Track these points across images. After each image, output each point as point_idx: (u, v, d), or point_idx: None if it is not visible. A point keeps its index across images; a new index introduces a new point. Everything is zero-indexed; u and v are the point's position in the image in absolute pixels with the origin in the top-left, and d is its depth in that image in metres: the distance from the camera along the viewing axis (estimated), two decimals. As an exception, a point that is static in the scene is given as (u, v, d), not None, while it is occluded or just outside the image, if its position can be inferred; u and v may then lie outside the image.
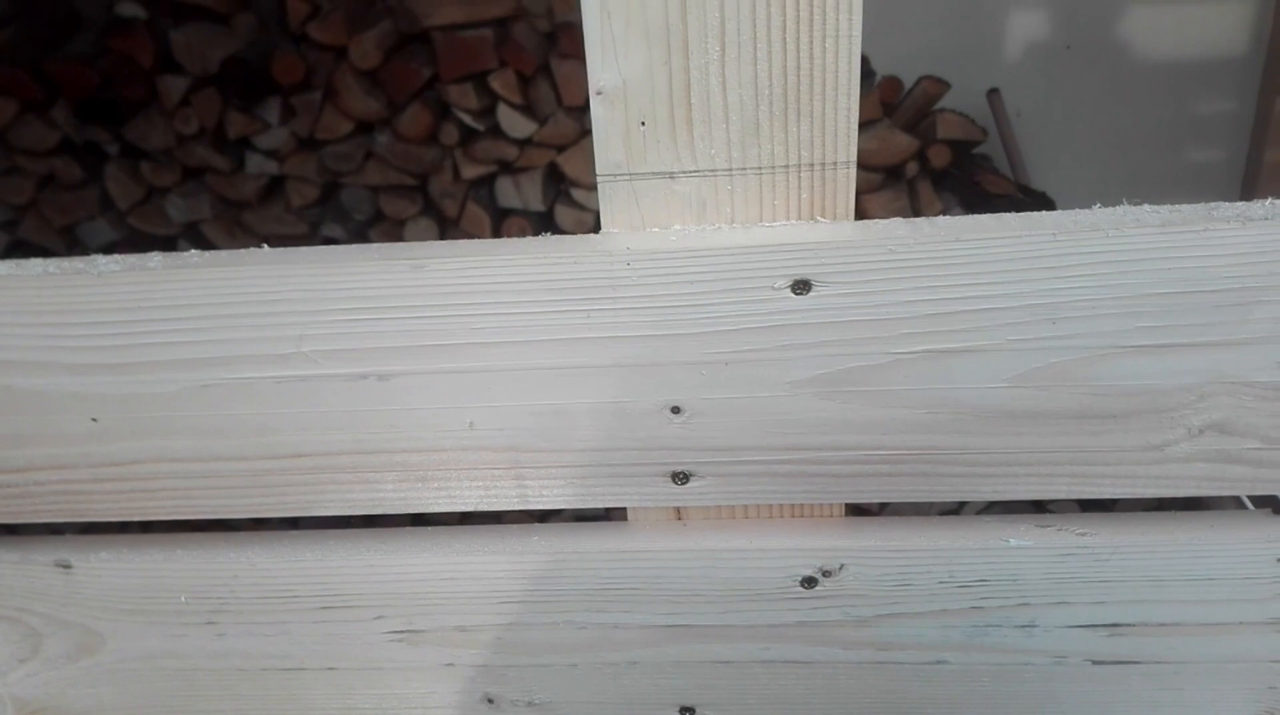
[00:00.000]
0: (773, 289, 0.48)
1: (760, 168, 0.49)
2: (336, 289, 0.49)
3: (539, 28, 2.15)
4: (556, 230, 2.29)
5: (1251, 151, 2.37)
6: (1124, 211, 0.48)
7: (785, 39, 0.46)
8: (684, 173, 0.49)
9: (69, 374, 0.49)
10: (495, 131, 2.18)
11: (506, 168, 2.22)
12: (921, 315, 0.48)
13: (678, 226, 0.50)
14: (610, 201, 0.51)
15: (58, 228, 2.28)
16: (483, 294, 0.49)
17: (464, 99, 2.13)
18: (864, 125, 2.14)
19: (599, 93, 0.48)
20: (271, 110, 2.12)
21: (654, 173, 0.49)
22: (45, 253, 2.30)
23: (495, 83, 2.11)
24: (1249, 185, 2.39)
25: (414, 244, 0.50)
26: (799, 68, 0.47)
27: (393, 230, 2.26)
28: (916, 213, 2.19)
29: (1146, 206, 0.48)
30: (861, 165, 2.16)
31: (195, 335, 0.50)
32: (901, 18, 2.15)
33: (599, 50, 0.47)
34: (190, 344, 0.50)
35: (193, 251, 0.51)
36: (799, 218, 0.50)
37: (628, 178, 0.50)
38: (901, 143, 2.12)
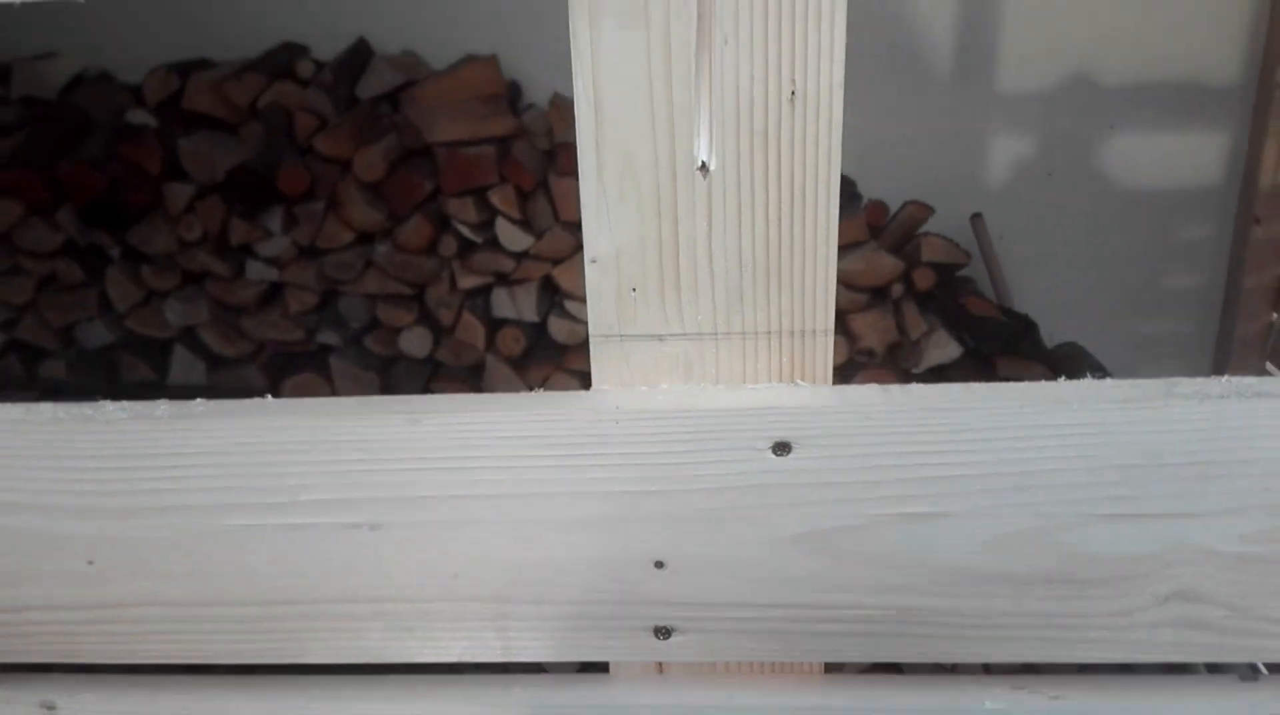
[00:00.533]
0: (755, 450, 0.50)
1: (744, 332, 0.52)
2: (334, 441, 0.51)
3: (539, 146, 2.22)
4: (549, 340, 2.33)
5: (1230, 277, 2.43)
6: (1088, 386, 0.50)
7: (768, 217, 0.49)
8: (672, 335, 0.52)
9: (71, 517, 0.50)
10: (493, 244, 2.23)
11: (503, 279, 2.27)
12: (896, 479, 0.50)
13: (665, 384, 0.53)
14: (601, 359, 0.53)
15: (56, 328, 2.30)
16: (476, 448, 0.51)
17: (464, 212, 2.19)
18: (851, 247, 2.20)
19: (594, 260, 0.51)
20: (274, 219, 2.17)
21: (644, 334, 0.52)
22: (40, 353, 2.32)
23: (495, 197, 2.18)
24: (1229, 310, 2.45)
25: (411, 398, 0.52)
26: (780, 243, 0.50)
27: (388, 338, 2.29)
28: (903, 332, 2.23)
29: (1109, 381, 0.51)
30: (848, 285, 2.21)
31: (196, 482, 0.51)
32: (887, 144, 2.23)
33: (595, 221, 0.50)
34: (190, 491, 0.51)
35: (199, 401, 0.53)
36: (780, 380, 0.52)
37: (619, 338, 0.52)
38: (887, 264, 2.18)
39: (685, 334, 0.52)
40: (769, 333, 0.51)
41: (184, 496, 0.51)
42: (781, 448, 0.50)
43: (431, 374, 2.32)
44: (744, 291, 0.50)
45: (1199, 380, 0.50)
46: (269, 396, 0.52)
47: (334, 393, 2.30)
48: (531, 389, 2.32)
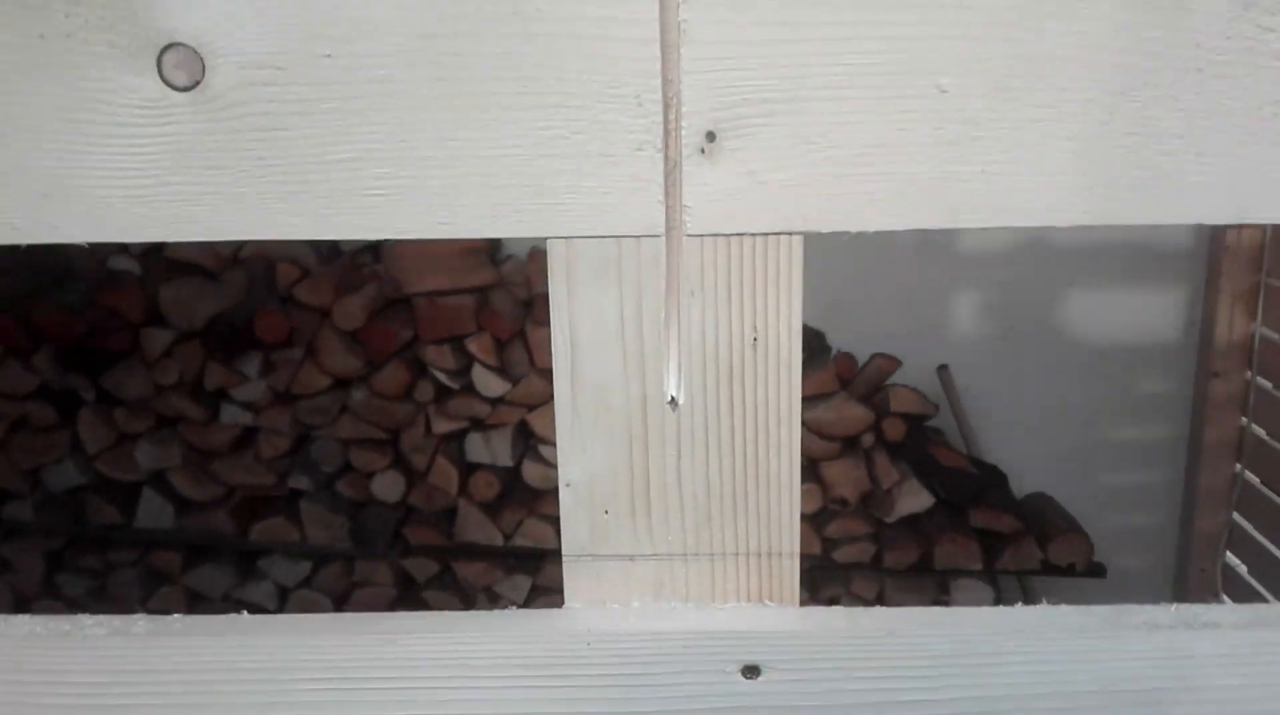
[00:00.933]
0: (724, 673, 0.52)
1: (712, 553, 0.53)
2: (309, 661, 0.51)
3: (516, 296, 2.28)
4: (523, 484, 2.33)
5: (1193, 429, 2.48)
6: (1044, 613, 0.52)
7: (734, 448, 0.52)
8: (642, 555, 0.54)
9: (36, 739, 0.50)
10: (469, 390, 2.26)
11: (478, 424, 2.28)
12: (862, 703, 0.51)
13: (636, 602, 0.54)
14: (574, 578, 0.54)
15: (24, 469, 2.28)
16: (450, 668, 0.52)
17: (441, 359, 2.22)
18: (821, 397, 2.24)
19: (568, 484, 0.53)
20: (252, 365, 2.18)
21: (615, 554, 0.54)
22: (5, 495, 2.29)
23: (472, 345, 2.21)
24: (1193, 461, 2.49)
25: (385, 616, 0.53)
26: (746, 472, 0.52)
27: (360, 482, 2.28)
28: (874, 481, 2.25)
29: (1064, 606, 0.52)
30: (820, 435, 2.24)
31: (170, 699, 0.51)
32: (854, 299, 2.30)
33: (569, 447, 0.52)
34: (164, 707, 0.51)
35: (175, 616, 0.53)
36: (748, 599, 0.54)
37: (591, 558, 0.54)
38: (857, 414, 2.22)
39: (656, 555, 0.53)
40: (736, 554, 0.53)
41: (155, 713, 0.51)
42: (750, 671, 0.51)
43: (403, 519, 2.31)
44: (712, 515, 0.52)
45: (1149, 608, 0.51)
46: (238, 616, 0.53)
47: (303, 537, 2.28)
48: (504, 534, 2.31)
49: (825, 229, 0.48)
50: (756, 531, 0.53)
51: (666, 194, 0.48)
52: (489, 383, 2.24)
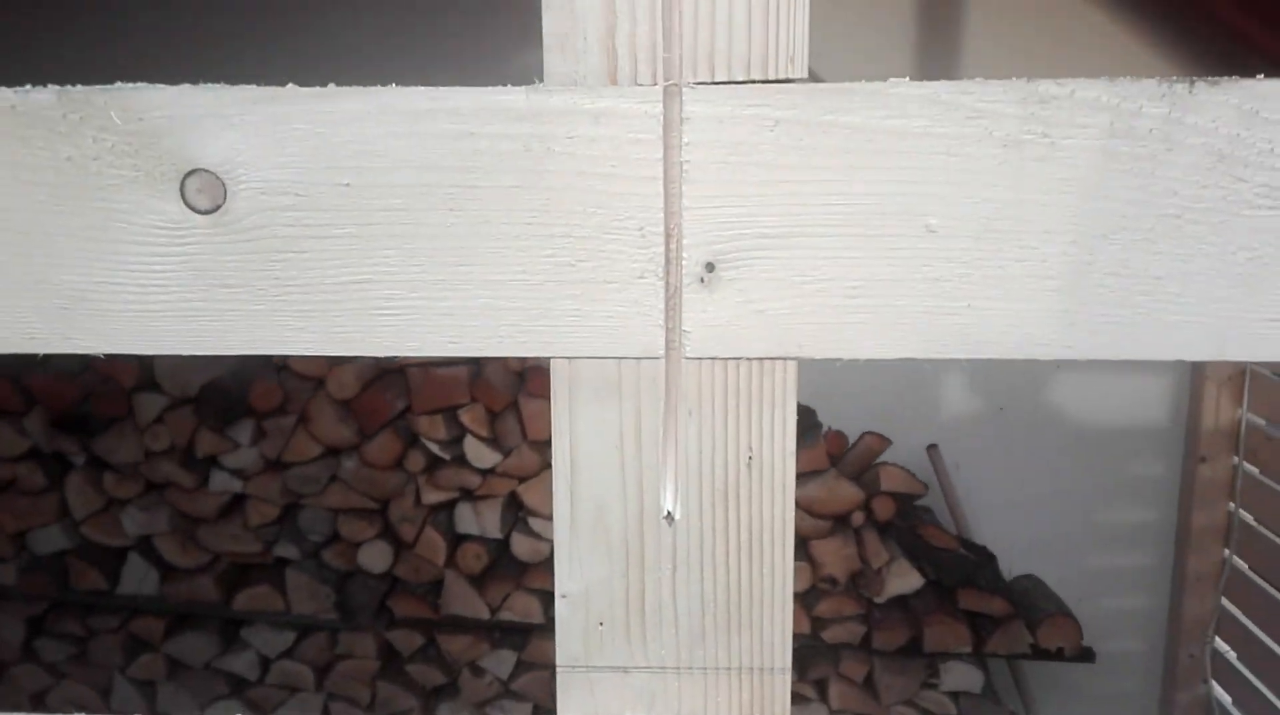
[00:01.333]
0: (713, 788, 0.52)
1: (705, 668, 0.54)
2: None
3: (510, 367, 2.29)
4: (511, 557, 2.31)
5: (1181, 515, 2.49)
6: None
7: (729, 564, 0.53)
8: (636, 667, 0.54)
9: None
10: (460, 460, 2.26)
11: (468, 495, 2.28)
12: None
13: None
14: (567, 691, 0.55)
15: (10, 533, 2.26)
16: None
17: (433, 430, 2.22)
18: (812, 475, 2.25)
19: (564, 596, 0.54)
20: (244, 432, 2.19)
21: (609, 666, 0.54)
22: (-10, 558, 2.27)
23: (465, 416, 2.22)
24: (1181, 546, 2.50)
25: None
26: (740, 587, 0.53)
27: (347, 552, 2.27)
28: (864, 561, 2.25)
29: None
30: (811, 513, 2.25)
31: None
32: (844, 377, 2.32)
33: (566, 560, 0.53)
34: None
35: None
36: (740, 714, 0.54)
37: (585, 670, 0.54)
38: (848, 492, 2.23)
39: (649, 667, 0.54)
40: (729, 669, 0.54)
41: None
42: (739, 787, 0.52)
43: (388, 590, 2.29)
44: (705, 630, 0.53)
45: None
46: None
47: (287, 607, 2.25)
48: (491, 607, 2.29)
49: (818, 356, 0.50)
50: (749, 647, 0.53)
51: (666, 319, 0.50)
52: (481, 454, 2.24)
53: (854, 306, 0.48)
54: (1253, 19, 2.09)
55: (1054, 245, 0.47)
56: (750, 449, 0.51)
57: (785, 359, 0.50)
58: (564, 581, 0.53)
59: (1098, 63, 2.32)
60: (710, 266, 0.48)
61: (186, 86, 0.47)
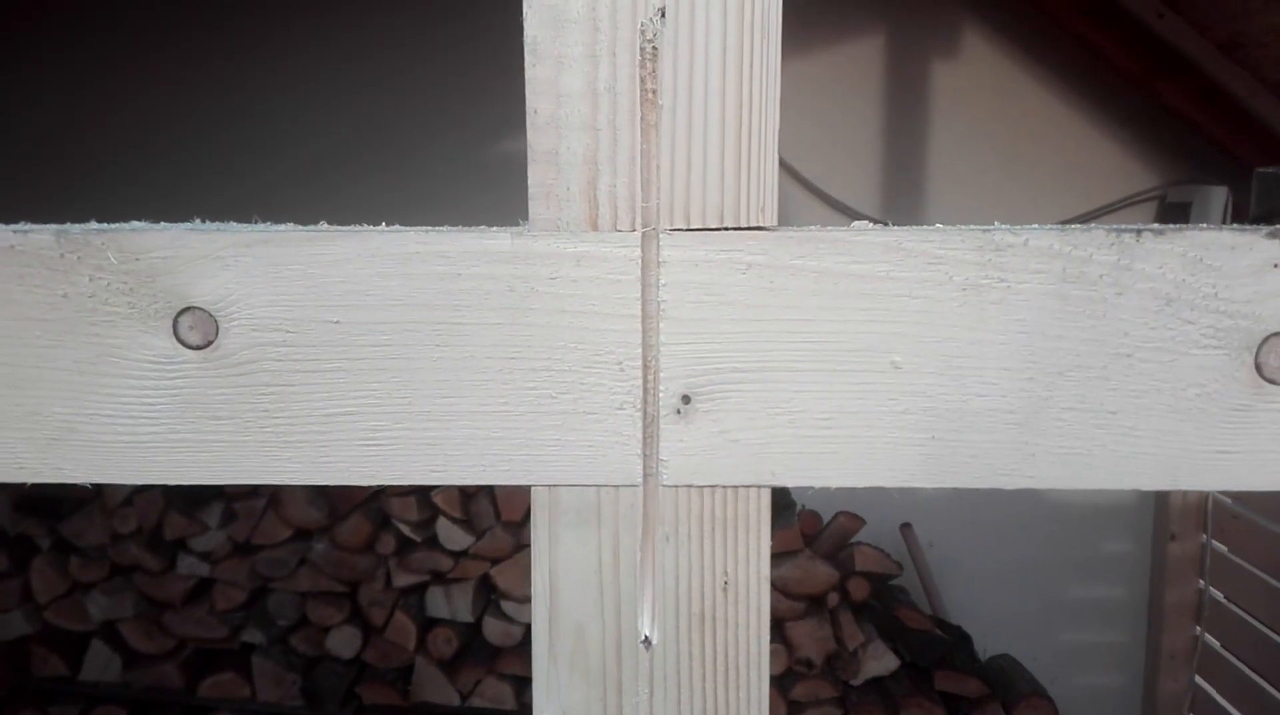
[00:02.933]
0: None
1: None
2: None
3: (484, 448, 2.29)
4: (482, 641, 2.29)
5: (1153, 593, 2.51)
6: None
7: (704, 687, 0.54)
8: (613, 789, 0.55)
9: None
10: (432, 542, 2.24)
11: (439, 578, 2.26)
12: None
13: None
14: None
15: (-32, 619, 2.21)
16: None
17: (405, 511, 2.21)
18: (787, 555, 2.25)
19: (542, 723, 0.55)
20: (213, 514, 2.17)
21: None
22: (-52, 646, 2.21)
23: (438, 497, 2.21)
24: (1154, 623, 2.51)
25: None
26: (716, 709, 0.54)
27: (315, 637, 2.23)
28: (840, 642, 2.25)
29: None
30: (785, 593, 2.24)
31: None
32: (819, 457, 2.33)
33: (545, 686, 0.54)
34: None
35: None
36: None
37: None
38: (822, 573, 2.23)
39: (626, 786, 0.54)
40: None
41: None
42: None
43: (357, 676, 2.25)
44: (685, 752, 0.54)
45: None
46: None
47: (253, 694, 2.21)
48: (462, 694, 2.25)
49: (790, 484, 0.51)
50: (726, 762, 0.54)
51: (644, 448, 0.51)
52: (453, 535, 2.23)
53: (824, 437, 0.50)
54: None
55: (1013, 381, 0.49)
56: (726, 574, 0.52)
57: (759, 487, 0.52)
58: (543, 706, 0.54)
59: (1067, 156, 2.40)
60: (686, 398, 0.50)
61: (184, 228, 0.48)
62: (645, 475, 0.52)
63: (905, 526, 2.43)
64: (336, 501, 2.20)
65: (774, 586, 2.22)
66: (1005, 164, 2.41)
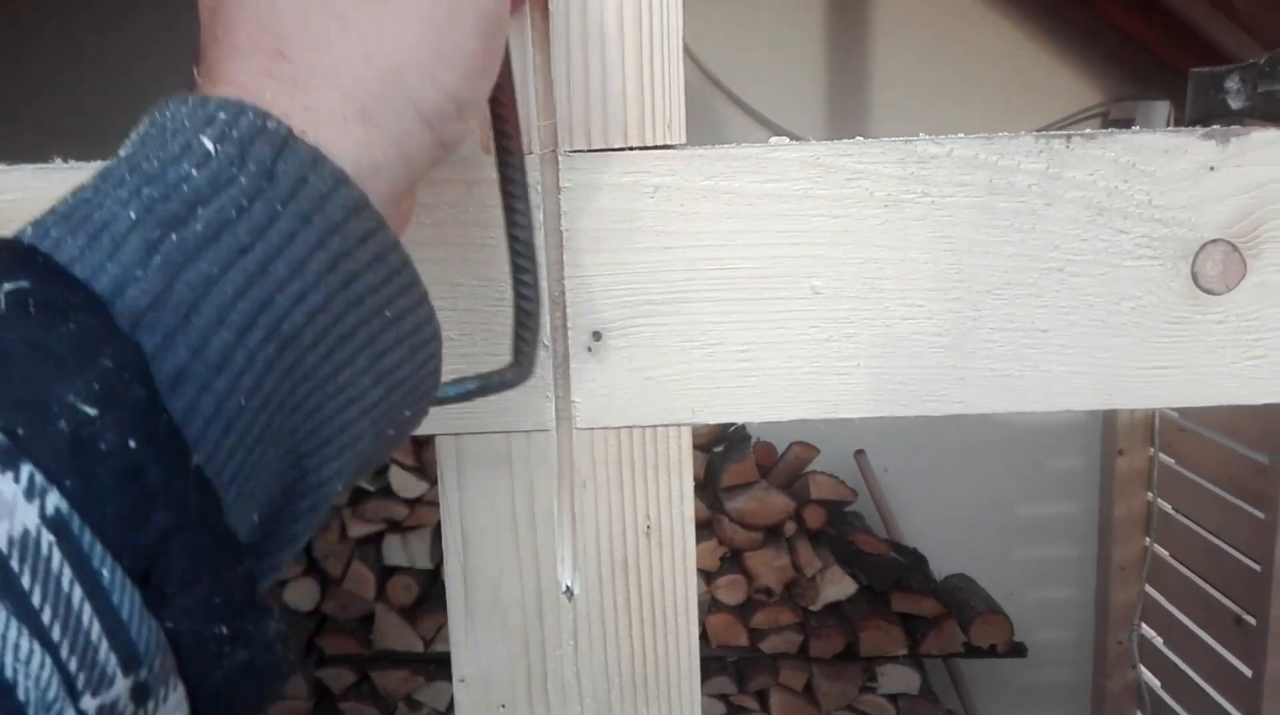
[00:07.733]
0: None
1: (614, 741, 0.52)
2: None
3: (433, 394, 2.25)
4: (443, 588, 2.27)
5: (1103, 505, 2.55)
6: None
7: (631, 637, 0.51)
8: (542, 747, 0.52)
9: None
10: (385, 491, 2.21)
11: (395, 526, 2.24)
12: None
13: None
14: (472, 772, 0.53)
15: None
16: None
17: (356, 462, 2.17)
18: (743, 486, 2.25)
19: (462, 680, 0.52)
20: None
21: (513, 748, 0.52)
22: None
23: (388, 447, 2.17)
24: (1105, 536, 2.56)
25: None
26: (645, 660, 0.51)
27: (273, 591, 2.20)
28: (798, 569, 2.26)
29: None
30: (743, 525, 2.25)
31: None
32: (773, 388, 2.32)
33: (463, 644, 0.51)
34: None
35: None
36: (653, 789, 0.53)
37: (488, 753, 0.53)
38: (778, 503, 2.23)
39: (555, 747, 0.52)
40: (639, 743, 0.52)
41: None
42: None
43: (317, 628, 2.24)
44: (612, 706, 0.52)
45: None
46: None
47: (213, 651, 2.18)
48: (424, 640, 2.24)
49: (711, 421, 0.48)
50: (658, 716, 0.52)
51: (555, 390, 0.48)
52: (406, 483, 2.20)
53: (744, 370, 0.47)
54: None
55: (939, 302, 0.46)
56: (649, 518, 0.49)
57: (678, 425, 0.49)
58: (462, 665, 0.51)
59: (1013, 75, 2.37)
60: (597, 335, 0.47)
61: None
62: (558, 418, 0.48)
63: (859, 453, 2.44)
64: (284, 455, 2.16)
65: (731, 518, 2.23)
66: (952, 85, 2.37)
